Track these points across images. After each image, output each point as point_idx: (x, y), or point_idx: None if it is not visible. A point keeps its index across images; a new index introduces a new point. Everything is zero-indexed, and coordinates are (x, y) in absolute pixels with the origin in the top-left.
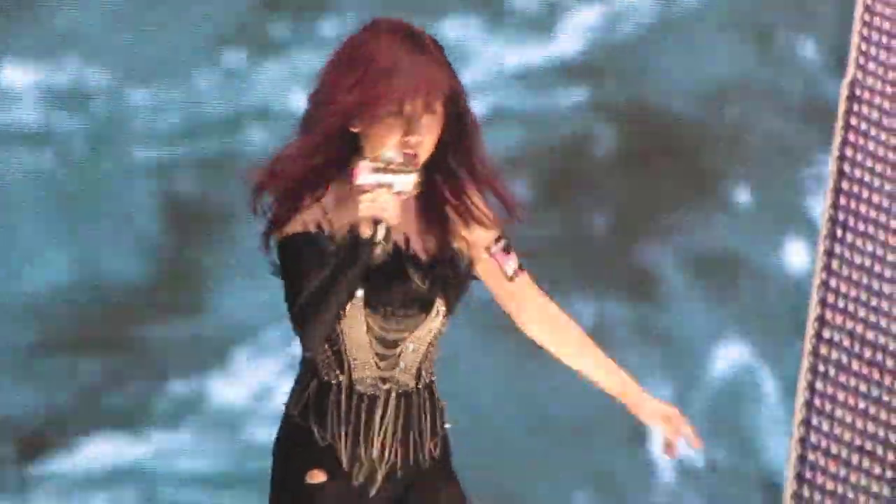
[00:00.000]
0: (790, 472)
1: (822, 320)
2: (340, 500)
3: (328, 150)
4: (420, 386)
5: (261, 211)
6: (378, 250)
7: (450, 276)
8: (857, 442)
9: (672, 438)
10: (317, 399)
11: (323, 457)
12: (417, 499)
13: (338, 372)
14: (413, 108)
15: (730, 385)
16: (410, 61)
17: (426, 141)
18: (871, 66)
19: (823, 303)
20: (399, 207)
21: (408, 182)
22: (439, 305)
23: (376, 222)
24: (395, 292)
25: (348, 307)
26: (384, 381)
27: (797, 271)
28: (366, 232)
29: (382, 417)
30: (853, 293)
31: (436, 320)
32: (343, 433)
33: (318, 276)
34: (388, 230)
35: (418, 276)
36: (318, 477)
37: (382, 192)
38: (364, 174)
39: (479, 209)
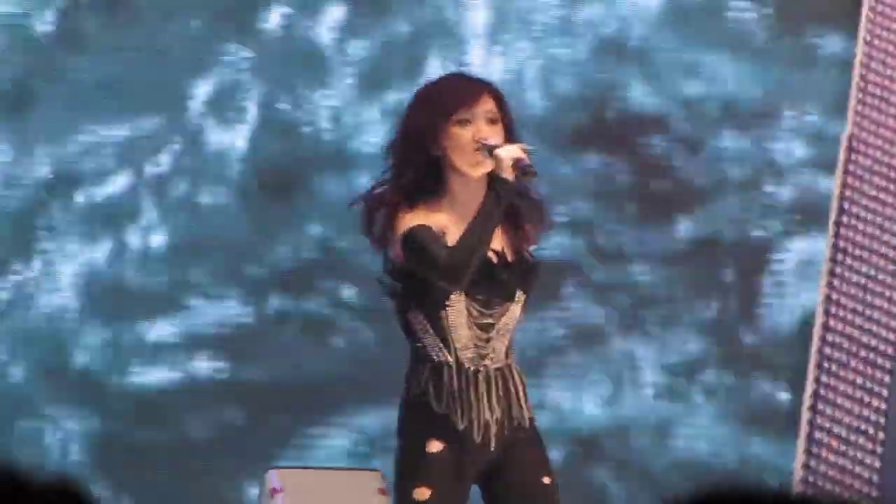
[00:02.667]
0: (800, 447)
1: (825, 326)
2: (456, 464)
3: (418, 174)
4: (510, 362)
5: (373, 231)
6: (531, 175)
7: (525, 272)
8: (855, 424)
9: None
10: (431, 378)
11: (440, 425)
12: (516, 456)
13: (446, 353)
14: (473, 114)
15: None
16: (466, 83)
17: (497, 133)
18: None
19: (826, 312)
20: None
21: (515, 148)
22: (519, 295)
23: (515, 163)
24: (488, 284)
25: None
26: (482, 357)
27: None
28: (509, 171)
29: (487, 385)
30: (851, 305)
31: (517, 308)
32: (457, 403)
33: (444, 244)
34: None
35: (505, 272)
36: (436, 446)
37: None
38: (489, 142)
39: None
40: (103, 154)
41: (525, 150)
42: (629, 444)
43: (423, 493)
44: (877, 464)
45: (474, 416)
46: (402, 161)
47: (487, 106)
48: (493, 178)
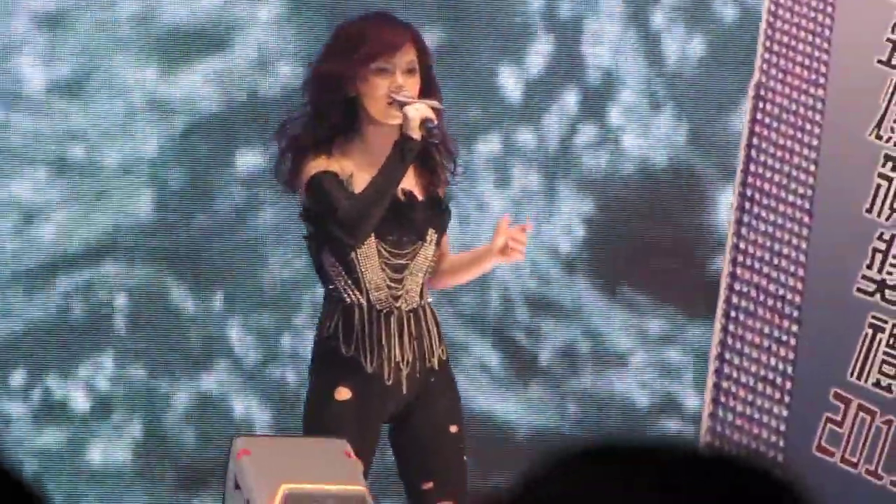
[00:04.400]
0: (707, 396)
1: (732, 275)
2: (363, 410)
3: (333, 115)
4: (423, 302)
5: (283, 174)
6: (436, 137)
7: (437, 211)
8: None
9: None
10: (342, 320)
11: (348, 369)
12: (426, 402)
13: (357, 294)
14: (392, 64)
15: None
16: (389, 30)
17: (410, 91)
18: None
19: (734, 262)
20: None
21: (425, 105)
22: (431, 234)
23: (423, 122)
24: (398, 225)
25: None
26: (395, 298)
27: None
28: (416, 131)
29: (399, 327)
30: (759, 254)
31: (429, 248)
32: (367, 344)
33: (346, 194)
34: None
35: (415, 212)
36: (344, 394)
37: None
38: (401, 97)
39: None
40: None
41: (435, 109)
42: None
43: None
44: (784, 413)
45: (385, 358)
46: (317, 101)
47: (408, 56)
48: (400, 135)
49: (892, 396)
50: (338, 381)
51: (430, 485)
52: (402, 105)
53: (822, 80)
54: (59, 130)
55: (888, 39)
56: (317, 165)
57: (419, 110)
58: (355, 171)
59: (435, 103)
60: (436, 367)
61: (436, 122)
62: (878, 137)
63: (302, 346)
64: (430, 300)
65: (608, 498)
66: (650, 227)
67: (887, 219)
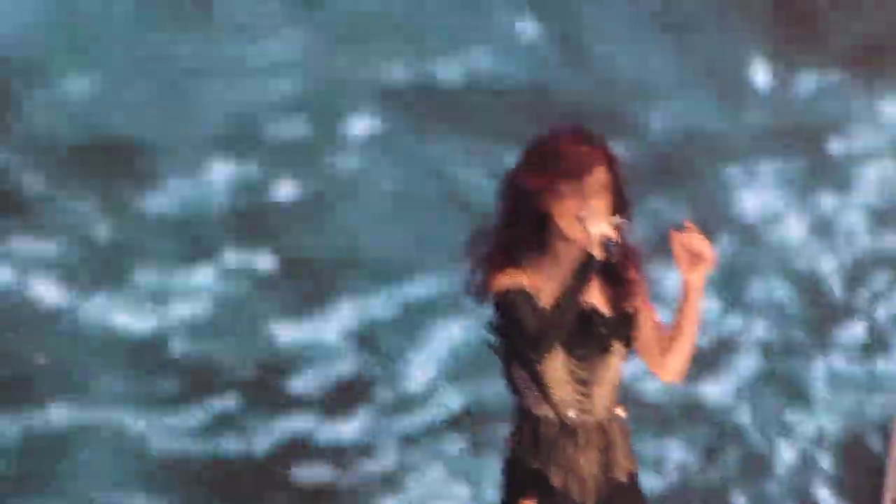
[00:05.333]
0: None
1: None
2: None
3: (524, 229)
4: (611, 415)
5: (475, 285)
6: (615, 255)
7: (624, 325)
8: None
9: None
10: (531, 433)
11: (535, 482)
12: None
13: (546, 407)
14: (585, 183)
15: None
16: (583, 150)
17: (599, 209)
18: None
19: None
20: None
21: (606, 223)
22: (618, 347)
23: (602, 241)
24: (584, 338)
25: (551, 354)
26: (584, 412)
27: None
28: (599, 252)
29: (586, 441)
30: None
31: (614, 359)
32: (554, 457)
33: (533, 313)
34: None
35: (599, 325)
36: (530, 501)
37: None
38: (583, 214)
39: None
40: None
41: (616, 226)
42: None
43: None
44: None
45: (572, 472)
46: (509, 214)
47: (599, 175)
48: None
49: None
50: (525, 492)
51: None
52: (587, 223)
53: None
54: None
55: None
56: (507, 280)
57: (599, 228)
58: (545, 284)
59: (617, 219)
60: (622, 479)
61: (615, 241)
62: None
63: None
64: (621, 413)
65: None
66: None
67: None
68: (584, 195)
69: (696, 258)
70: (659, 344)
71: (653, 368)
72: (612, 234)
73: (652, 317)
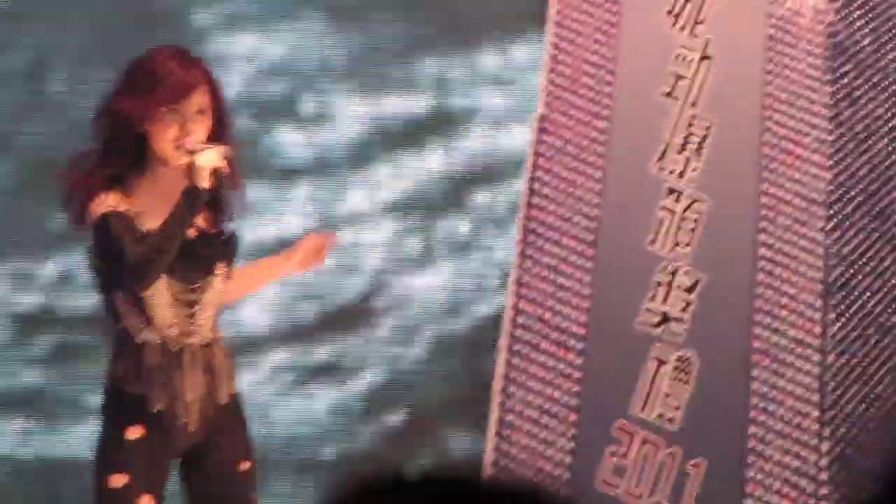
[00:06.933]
0: (491, 430)
1: (516, 308)
2: (153, 447)
3: (122, 152)
4: (215, 336)
5: (72, 210)
6: (231, 187)
7: (227, 246)
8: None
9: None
10: (132, 359)
11: (137, 409)
12: (216, 440)
13: (148, 332)
14: (183, 107)
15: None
16: (182, 70)
17: (199, 135)
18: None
19: (518, 295)
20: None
21: (216, 154)
22: (220, 268)
23: (213, 172)
24: (187, 260)
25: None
26: (187, 335)
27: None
28: (206, 181)
29: (192, 364)
30: (543, 287)
31: (219, 281)
32: (158, 382)
33: (135, 239)
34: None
35: (203, 246)
36: (133, 432)
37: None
38: (190, 145)
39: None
40: None
41: (227, 157)
42: None
43: (117, 480)
44: (569, 446)
45: (175, 396)
46: (107, 138)
47: (199, 97)
48: (188, 183)
49: (676, 429)
50: (128, 420)
51: None
52: (191, 153)
53: (605, 113)
54: None
55: (671, 72)
56: (106, 203)
57: (209, 160)
58: (144, 208)
59: (226, 149)
60: (225, 402)
61: (227, 172)
62: (661, 170)
63: None
64: (222, 335)
65: None
66: None
67: (670, 251)
68: (183, 119)
69: (314, 258)
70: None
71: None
72: (223, 165)
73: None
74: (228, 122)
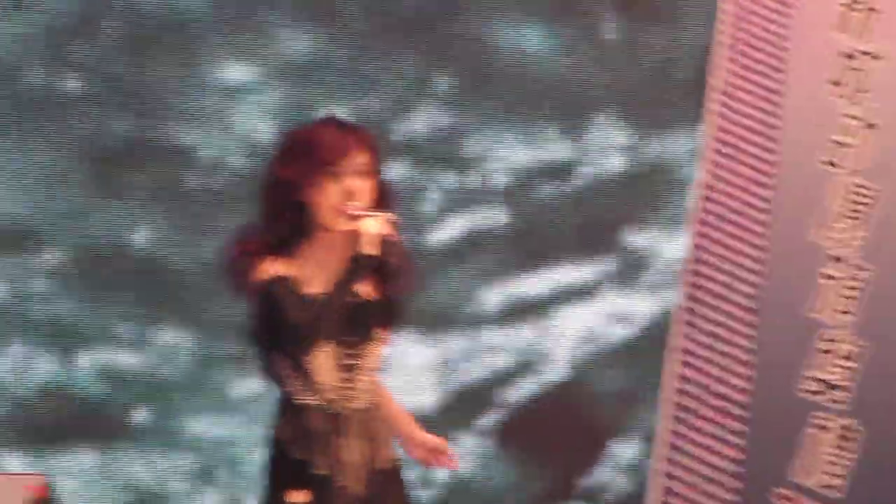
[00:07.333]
0: (655, 496)
1: (682, 377)
2: None
3: (286, 221)
4: (374, 402)
5: (235, 278)
6: (397, 254)
7: (387, 312)
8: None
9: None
10: (294, 423)
11: (300, 473)
12: (377, 501)
13: (309, 396)
14: (342, 168)
15: None
16: (340, 134)
17: (362, 200)
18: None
19: (683, 363)
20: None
21: (381, 221)
22: (381, 335)
23: (381, 239)
24: (350, 326)
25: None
26: (347, 399)
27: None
28: (374, 248)
29: (350, 428)
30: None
31: (378, 347)
32: (319, 446)
33: (298, 304)
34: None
35: (366, 313)
36: (298, 497)
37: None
38: (353, 210)
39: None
40: None
41: (392, 222)
42: None
43: None
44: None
45: (337, 460)
46: (269, 208)
47: (359, 159)
48: (356, 249)
49: (838, 496)
50: (291, 483)
51: None
52: (356, 218)
53: (768, 180)
54: None
55: (832, 140)
56: (269, 270)
57: (375, 226)
58: (307, 274)
59: (391, 215)
60: (385, 468)
61: (394, 239)
62: (824, 237)
63: None
64: (380, 400)
65: None
66: None
67: (832, 319)
68: (344, 182)
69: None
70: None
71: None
72: (389, 232)
73: None
74: (389, 189)
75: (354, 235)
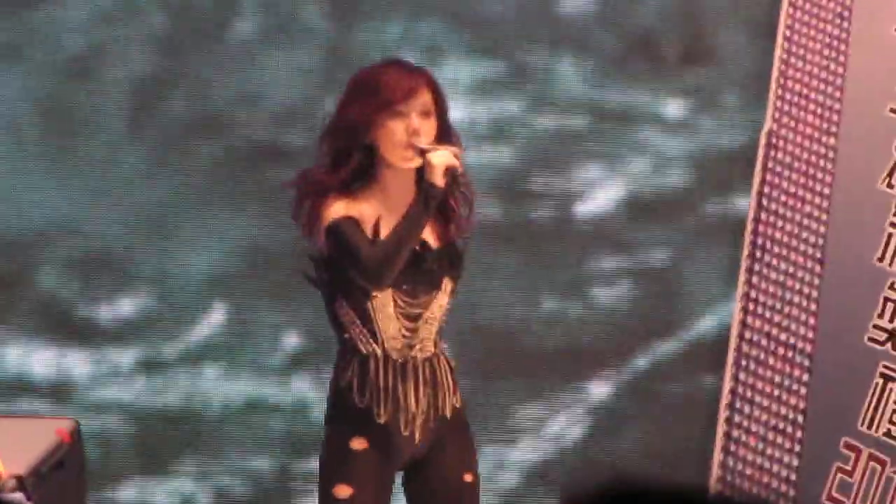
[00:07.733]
0: (717, 444)
1: (743, 324)
2: (378, 460)
3: (351, 162)
4: (437, 351)
5: (302, 219)
6: (462, 184)
7: (451, 259)
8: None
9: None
10: (358, 371)
11: (363, 421)
12: (440, 451)
13: (373, 344)
14: (408, 108)
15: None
16: (403, 74)
17: (427, 136)
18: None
19: (745, 310)
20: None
21: (448, 153)
22: (446, 283)
23: (447, 170)
24: (413, 274)
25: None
26: (410, 348)
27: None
28: (440, 179)
29: (415, 377)
30: (770, 302)
31: (444, 296)
32: (382, 395)
33: (368, 240)
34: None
35: (430, 261)
36: (359, 443)
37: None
38: (422, 144)
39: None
40: None
41: (457, 155)
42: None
43: (343, 490)
44: (794, 462)
45: (400, 409)
46: (335, 150)
47: (422, 98)
48: (422, 181)
49: None
50: (354, 431)
51: None
52: (423, 152)
53: (833, 129)
54: None
55: None
56: (336, 211)
57: (442, 157)
58: (375, 214)
59: (457, 149)
60: (449, 415)
61: (460, 170)
62: (890, 186)
63: None
64: (445, 348)
65: None
66: None
67: None
68: (409, 121)
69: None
70: None
71: None
72: (456, 164)
73: None
74: (452, 128)
75: (421, 171)
